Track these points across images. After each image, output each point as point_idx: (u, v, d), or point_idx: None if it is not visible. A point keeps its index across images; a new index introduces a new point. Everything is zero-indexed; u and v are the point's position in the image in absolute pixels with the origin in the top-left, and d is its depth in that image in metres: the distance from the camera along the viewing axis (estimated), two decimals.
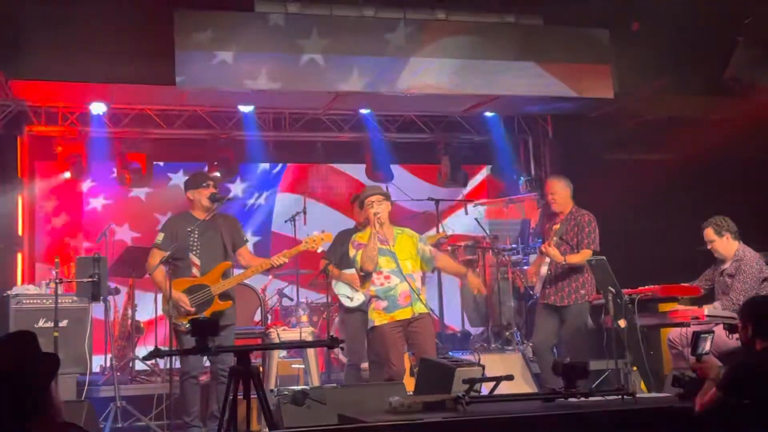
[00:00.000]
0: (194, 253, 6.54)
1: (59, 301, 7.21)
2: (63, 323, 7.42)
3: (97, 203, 10.47)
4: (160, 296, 6.94)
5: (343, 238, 7.89)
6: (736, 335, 4.84)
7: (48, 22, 7.65)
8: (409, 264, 6.52)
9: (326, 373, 8.31)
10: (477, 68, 8.39)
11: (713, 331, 5.41)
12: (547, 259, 7.19)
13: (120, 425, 7.26)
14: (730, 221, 6.84)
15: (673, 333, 6.83)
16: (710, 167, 9.13)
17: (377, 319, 6.51)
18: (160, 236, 6.60)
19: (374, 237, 6.44)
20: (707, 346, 5.27)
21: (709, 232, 6.85)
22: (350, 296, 7.77)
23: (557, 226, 7.10)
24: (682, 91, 9.05)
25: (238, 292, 8.71)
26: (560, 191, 7.31)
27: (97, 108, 9.11)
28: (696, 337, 5.25)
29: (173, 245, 6.46)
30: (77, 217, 10.42)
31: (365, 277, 6.57)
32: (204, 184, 6.71)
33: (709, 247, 6.88)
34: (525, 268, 9.09)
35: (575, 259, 7.06)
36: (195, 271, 6.55)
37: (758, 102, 8.79)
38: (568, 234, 7.15)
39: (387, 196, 6.63)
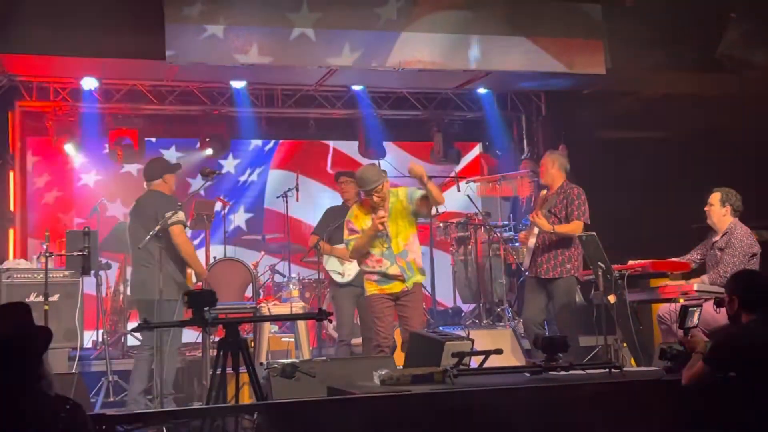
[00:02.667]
0: None
1: (50, 275, 7.21)
2: (54, 297, 7.43)
3: (89, 179, 10.45)
4: None
5: (332, 214, 7.92)
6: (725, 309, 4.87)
7: None
8: (401, 239, 6.52)
9: (317, 349, 8.34)
10: (469, 43, 8.36)
11: (701, 306, 5.43)
12: (536, 231, 7.20)
13: (111, 399, 7.28)
14: (740, 199, 6.83)
15: (663, 308, 6.84)
16: (704, 144, 9.12)
17: (369, 288, 6.61)
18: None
19: (369, 235, 6.45)
20: (695, 319, 5.30)
21: (715, 197, 6.83)
22: (341, 272, 7.79)
23: (544, 192, 7.15)
24: (675, 68, 9.03)
25: (231, 268, 8.78)
26: (547, 164, 7.34)
27: (89, 83, 9.08)
28: (684, 311, 5.28)
29: None
30: (69, 192, 10.41)
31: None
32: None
33: (706, 209, 6.87)
34: (516, 245, 9.10)
35: (564, 228, 7.05)
36: None
37: (751, 78, 8.78)
38: (556, 207, 7.16)
39: (384, 177, 6.56)
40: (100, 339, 8.41)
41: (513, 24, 8.47)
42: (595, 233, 6.88)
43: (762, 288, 4.77)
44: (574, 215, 7.10)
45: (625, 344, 7.08)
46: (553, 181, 7.31)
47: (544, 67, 8.62)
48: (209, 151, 10.04)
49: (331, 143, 11.22)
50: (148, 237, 6.48)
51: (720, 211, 6.81)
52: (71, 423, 3.10)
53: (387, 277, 6.51)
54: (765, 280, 5.01)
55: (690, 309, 5.38)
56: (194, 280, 6.96)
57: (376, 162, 9.67)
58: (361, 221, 6.55)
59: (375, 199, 6.42)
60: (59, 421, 3.07)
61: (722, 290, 5.89)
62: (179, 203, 6.77)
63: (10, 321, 3.23)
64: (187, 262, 6.85)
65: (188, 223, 7.70)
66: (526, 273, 7.59)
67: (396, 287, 6.50)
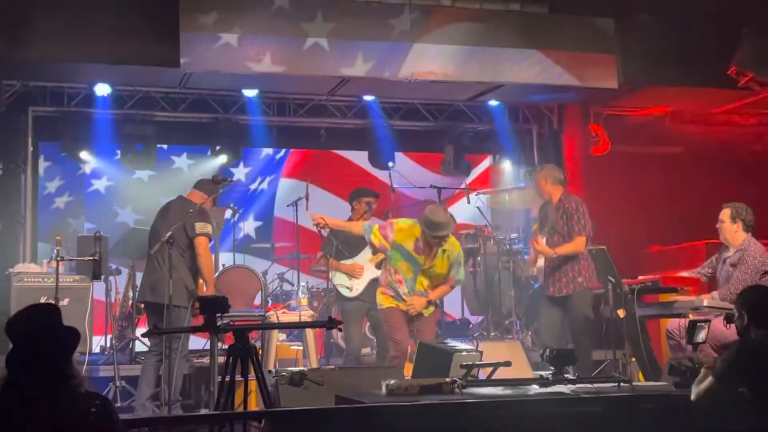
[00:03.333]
0: None
1: (60, 279, 7.24)
2: (64, 302, 7.45)
3: (100, 185, 10.50)
4: None
5: (338, 230, 7.94)
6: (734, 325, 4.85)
7: (53, 1, 7.65)
8: (425, 282, 6.76)
9: (325, 358, 8.33)
10: (481, 55, 8.37)
11: (709, 321, 5.42)
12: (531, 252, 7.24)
13: (119, 404, 7.29)
14: (751, 213, 6.80)
15: (672, 324, 6.82)
16: (715, 160, 9.13)
17: (384, 302, 6.74)
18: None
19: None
20: (703, 335, 5.29)
21: (725, 213, 6.79)
22: (349, 286, 7.80)
23: (535, 227, 7.19)
24: (688, 83, 9.02)
25: (240, 275, 8.79)
26: (541, 181, 7.36)
27: (102, 89, 9.10)
28: (692, 326, 5.27)
29: None
30: (80, 197, 10.45)
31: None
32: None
33: (718, 226, 6.83)
34: (526, 257, 9.09)
35: (566, 249, 7.05)
36: None
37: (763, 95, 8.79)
38: (558, 223, 7.15)
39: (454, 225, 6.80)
40: (108, 344, 8.43)
41: (525, 37, 8.48)
42: (605, 247, 6.87)
43: None
44: (575, 231, 7.07)
45: (634, 359, 7.07)
46: (551, 196, 7.32)
47: (557, 80, 8.62)
48: (221, 159, 10.05)
49: (342, 153, 11.23)
50: (164, 240, 6.52)
51: (731, 227, 6.78)
52: (102, 417, 3.20)
53: (401, 298, 6.70)
54: None
55: (698, 324, 5.38)
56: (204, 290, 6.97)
57: (388, 172, 9.73)
58: (408, 244, 6.65)
59: (434, 244, 6.56)
60: (91, 416, 3.16)
61: (732, 306, 5.87)
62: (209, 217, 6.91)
63: (40, 322, 3.30)
64: (203, 274, 6.88)
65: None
66: (537, 287, 7.57)
67: None
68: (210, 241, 6.97)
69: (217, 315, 4.49)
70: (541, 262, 7.29)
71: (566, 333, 7.38)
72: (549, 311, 7.29)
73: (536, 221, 7.48)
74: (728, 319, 5.02)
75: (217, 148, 10.02)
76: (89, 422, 3.16)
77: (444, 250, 6.67)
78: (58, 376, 3.18)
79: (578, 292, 7.11)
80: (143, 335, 7.96)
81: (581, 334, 7.13)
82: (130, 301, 8.72)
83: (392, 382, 5.02)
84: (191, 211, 6.78)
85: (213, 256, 7.33)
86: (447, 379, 5.02)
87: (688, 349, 5.51)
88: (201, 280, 6.95)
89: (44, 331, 3.25)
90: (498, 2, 8.54)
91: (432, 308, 6.86)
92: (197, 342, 8.72)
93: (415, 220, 6.82)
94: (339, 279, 7.83)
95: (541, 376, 5.29)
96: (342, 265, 7.77)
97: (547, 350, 5.35)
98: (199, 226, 6.74)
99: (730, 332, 5.39)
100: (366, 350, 7.79)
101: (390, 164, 10.05)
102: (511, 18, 8.53)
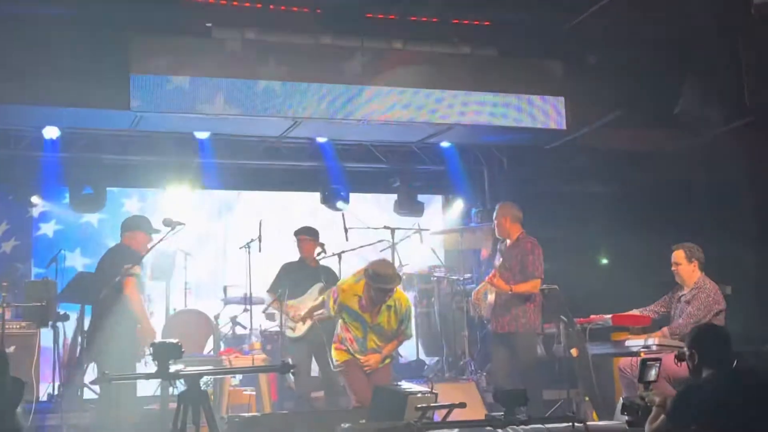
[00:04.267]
0: None
1: (6, 326, 7.07)
2: (10, 349, 7.26)
3: (48, 228, 10.31)
4: None
5: (288, 270, 7.92)
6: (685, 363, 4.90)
7: (0, 44, 7.58)
8: (377, 340, 6.71)
9: (279, 402, 8.22)
10: (433, 98, 8.47)
11: (660, 359, 5.47)
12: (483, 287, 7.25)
13: None
14: (701, 251, 6.92)
15: (624, 362, 6.87)
16: (663, 200, 9.28)
17: (340, 357, 6.73)
18: None
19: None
20: (654, 373, 5.33)
21: (679, 255, 6.89)
22: (292, 327, 7.77)
23: (499, 262, 7.21)
24: (634, 124, 9.20)
25: (191, 319, 8.67)
26: (500, 218, 7.39)
27: (50, 132, 8.98)
28: (643, 365, 5.32)
29: None
30: (27, 242, 10.25)
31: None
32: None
33: (673, 269, 6.92)
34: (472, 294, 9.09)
35: (521, 288, 7.08)
36: None
37: (708, 136, 8.98)
38: (512, 261, 7.19)
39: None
40: (56, 391, 8.22)
41: (477, 79, 8.61)
42: (557, 286, 6.92)
43: (721, 342, 4.82)
44: (529, 272, 7.11)
45: (587, 398, 7.09)
46: (508, 234, 7.37)
47: (507, 122, 8.75)
48: (172, 200, 9.94)
49: (295, 194, 11.20)
50: (107, 289, 6.43)
51: (688, 267, 6.87)
52: None
53: (355, 351, 6.70)
54: (724, 334, 5.07)
55: (648, 363, 5.42)
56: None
57: (341, 213, 9.73)
58: (352, 303, 6.61)
59: (379, 298, 6.49)
60: None
61: (683, 344, 5.94)
62: (141, 258, 6.72)
63: None
64: (136, 316, 6.74)
65: (148, 276, 7.66)
66: (489, 326, 7.58)
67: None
68: (140, 282, 6.82)
69: (170, 361, 4.40)
70: (491, 297, 7.30)
71: (516, 372, 7.39)
72: (497, 350, 7.31)
73: (498, 255, 7.49)
74: (679, 357, 5.06)
75: (168, 189, 9.93)
76: None
77: (389, 306, 6.60)
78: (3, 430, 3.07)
79: (521, 333, 7.11)
80: (92, 382, 7.78)
81: (529, 375, 7.12)
82: (78, 347, 8.53)
83: (347, 426, 4.97)
84: (124, 254, 6.73)
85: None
86: (402, 422, 4.97)
87: (640, 387, 5.55)
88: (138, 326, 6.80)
89: None
90: (448, 45, 8.67)
91: (388, 360, 6.85)
92: (150, 387, 8.56)
93: (358, 276, 6.74)
94: (283, 319, 7.79)
95: (492, 417, 5.26)
96: (286, 306, 7.75)
97: (498, 390, 5.34)
98: (128, 267, 6.64)
99: (683, 369, 5.46)
100: (317, 394, 7.72)
101: (340, 204, 10.07)
102: (462, 61, 8.66)
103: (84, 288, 8.04)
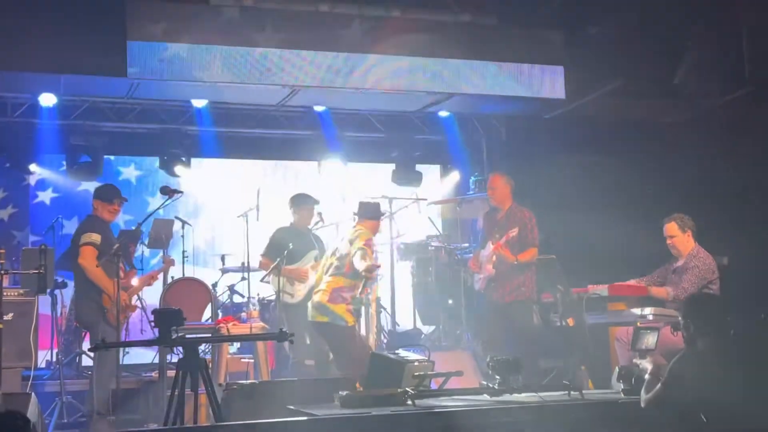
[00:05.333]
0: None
1: (4, 293, 7.05)
2: (8, 316, 7.26)
3: (45, 196, 10.29)
4: None
5: (282, 235, 7.92)
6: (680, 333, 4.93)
7: None
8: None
9: (276, 370, 8.26)
10: (432, 66, 8.42)
11: (657, 328, 5.50)
12: (493, 258, 7.24)
13: (65, 420, 7.15)
14: (692, 220, 6.94)
15: (621, 331, 6.89)
16: (661, 170, 9.26)
17: (350, 319, 6.84)
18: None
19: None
20: (648, 341, 5.37)
21: (672, 227, 6.92)
22: (290, 292, 7.77)
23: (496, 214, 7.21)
24: (633, 95, 9.17)
25: (189, 287, 8.68)
26: (500, 187, 7.41)
27: (47, 99, 8.93)
28: (636, 333, 5.36)
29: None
30: (25, 209, 10.24)
31: (368, 280, 6.88)
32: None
33: (669, 242, 6.94)
34: (468, 261, 9.10)
35: (525, 257, 7.11)
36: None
37: (707, 107, 8.96)
38: (507, 231, 7.19)
39: None
40: (54, 359, 8.27)
41: (476, 48, 8.55)
42: (554, 256, 6.95)
43: (716, 311, 4.85)
44: (528, 241, 7.14)
45: (583, 366, 7.14)
46: (503, 202, 7.38)
47: (506, 92, 8.71)
48: (170, 169, 9.92)
49: (292, 163, 11.18)
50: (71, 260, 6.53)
51: (683, 237, 6.90)
52: None
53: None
54: (719, 303, 5.10)
55: (641, 331, 5.47)
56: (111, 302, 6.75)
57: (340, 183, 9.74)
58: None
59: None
60: None
61: (678, 314, 5.97)
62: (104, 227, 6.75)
63: None
64: (97, 285, 6.76)
65: (147, 242, 7.67)
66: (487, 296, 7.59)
67: None
68: (97, 249, 6.77)
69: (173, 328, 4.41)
70: (489, 267, 7.32)
71: (513, 341, 7.42)
72: (494, 319, 7.34)
73: (489, 225, 7.49)
74: (675, 327, 5.10)
75: (166, 158, 9.92)
76: None
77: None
78: None
79: (520, 302, 7.17)
80: (89, 349, 7.81)
81: (527, 343, 7.16)
82: None
83: (345, 393, 5.00)
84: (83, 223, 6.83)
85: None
86: (399, 390, 5.01)
87: (635, 355, 5.59)
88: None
89: None
90: (448, 14, 8.59)
91: None
92: (148, 355, 8.61)
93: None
94: (281, 285, 7.80)
95: (487, 385, 5.30)
96: (286, 270, 7.75)
97: (493, 359, 5.37)
98: (83, 237, 6.69)
99: (679, 339, 5.48)
100: (309, 362, 7.75)
101: (337, 173, 10.06)
102: (461, 29, 8.59)
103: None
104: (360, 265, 6.70)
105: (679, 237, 6.91)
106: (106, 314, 6.65)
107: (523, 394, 5.13)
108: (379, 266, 7.29)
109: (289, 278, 7.76)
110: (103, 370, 6.69)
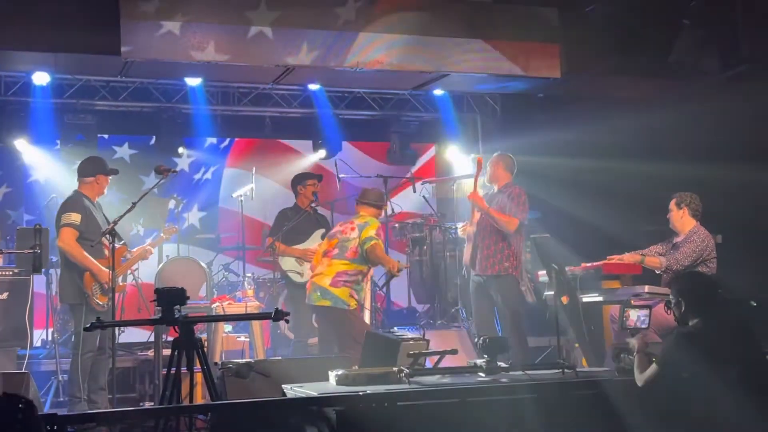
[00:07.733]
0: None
1: None
2: (3, 295, 7.31)
3: (39, 175, 10.28)
4: None
5: (285, 215, 7.92)
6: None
7: None
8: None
9: (272, 349, 8.30)
10: (426, 45, 8.37)
11: (648, 306, 5.53)
12: (476, 218, 7.25)
13: (61, 399, 7.17)
14: (697, 200, 6.98)
15: (615, 309, 6.93)
16: (657, 148, 9.25)
17: (353, 303, 6.91)
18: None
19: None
20: (636, 319, 5.40)
21: (672, 203, 7.05)
22: (299, 272, 7.77)
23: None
24: (629, 73, 9.15)
25: (184, 267, 8.70)
26: (492, 165, 7.40)
27: (40, 78, 8.88)
28: (622, 311, 5.39)
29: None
30: (19, 189, 10.23)
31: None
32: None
33: (667, 216, 7.05)
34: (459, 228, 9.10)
35: (499, 215, 7.06)
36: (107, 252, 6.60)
37: (702, 85, 8.94)
38: (498, 204, 7.19)
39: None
40: (49, 338, 8.28)
41: (471, 26, 8.50)
42: (549, 234, 6.95)
43: (707, 289, 4.88)
44: (512, 212, 7.12)
45: (577, 345, 7.17)
46: (497, 181, 7.38)
47: (501, 70, 8.67)
48: (164, 148, 9.90)
49: (287, 142, 11.17)
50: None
51: (677, 213, 6.98)
52: (27, 422, 2.99)
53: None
54: (710, 281, 5.13)
55: (628, 308, 5.50)
56: (97, 281, 6.61)
57: (333, 161, 9.73)
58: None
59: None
60: (16, 422, 2.96)
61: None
62: (82, 206, 6.62)
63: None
64: (81, 266, 6.55)
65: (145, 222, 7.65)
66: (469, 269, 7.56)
67: None
68: (77, 229, 6.55)
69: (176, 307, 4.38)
70: (470, 229, 7.34)
71: (501, 319, 7.41)
72: (479, 297, 7.32)
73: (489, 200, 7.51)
74: (668, 305, 5.12)
75: (160, 137, 9.90)
76: (15, 428, 2.95)
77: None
78: None
79: (503, 276, 7.10)
80: (85, 329, 7.82)
81: (513, 321, 7.15)
82: None
83: (340, 372, 5.02)
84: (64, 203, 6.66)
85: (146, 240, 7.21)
86: (394, 368, 5.03)
87: (620, 331, 5.64)
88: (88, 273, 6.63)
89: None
90: None
91: None
92: (143, 334, 8.62)
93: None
94: (288, 265, 7.80)
95: (474, 364, 5.31)
96: (294, 250, 7.76)
97: (480, 338, 5.38)
98: (63, 218, 6.55)
99: (672, 317, 5.52)
100: (313, 340, 7.77)
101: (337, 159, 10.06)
102: (456, 7, 8.54)
103: None
104: (387, 262, 6.89)
105: (674, 212, 6.99)
106: (89, 299, 6.48)
107: (518, 372, 5.15)
108: (407, 266, 7.38)
109: (298, 258, 7.77)
110: (79, 353, 6.49)
